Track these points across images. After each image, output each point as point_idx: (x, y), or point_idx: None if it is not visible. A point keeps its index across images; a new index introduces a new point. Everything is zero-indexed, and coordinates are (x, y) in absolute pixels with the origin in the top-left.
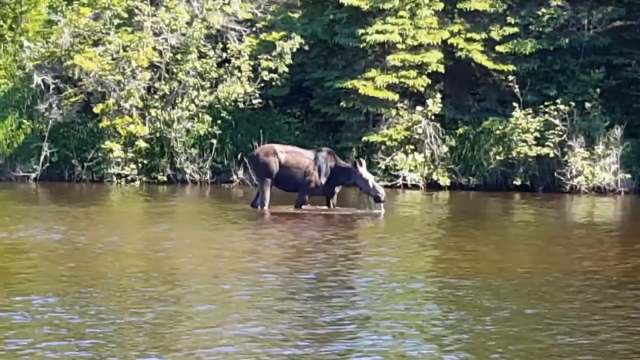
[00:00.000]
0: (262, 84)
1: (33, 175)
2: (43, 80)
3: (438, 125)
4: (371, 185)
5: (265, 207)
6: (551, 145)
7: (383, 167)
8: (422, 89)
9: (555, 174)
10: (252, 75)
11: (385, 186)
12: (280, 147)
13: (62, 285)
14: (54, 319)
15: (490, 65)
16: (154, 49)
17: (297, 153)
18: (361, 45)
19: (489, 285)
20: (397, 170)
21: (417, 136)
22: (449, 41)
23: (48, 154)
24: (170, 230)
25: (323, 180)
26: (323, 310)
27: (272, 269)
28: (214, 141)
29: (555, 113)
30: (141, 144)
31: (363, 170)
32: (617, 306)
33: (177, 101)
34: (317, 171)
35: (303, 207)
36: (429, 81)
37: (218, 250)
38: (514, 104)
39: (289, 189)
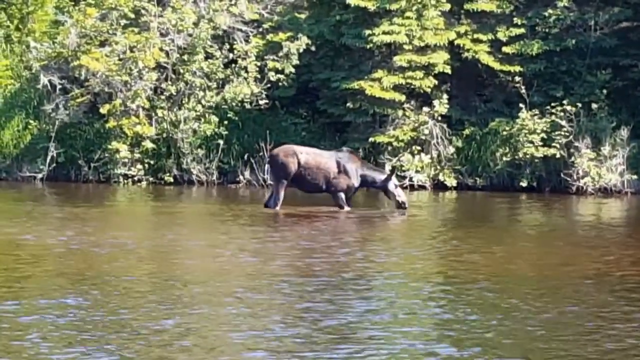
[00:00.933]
0: (269, 85)
1: (39, 175)
2: (50, 81)
3: (444, 126)
4: (399, 192)
5: (278, 208)
6: (557, 146)
7: (390, 168)
8: (428, 90)
9: (562, 175)
10: (258, 75)
11: None
12: (299, 149)
13: (81, 288)
14: (77, 323)
15: (496, 66)
16: (161, 49)
17: (317, 154)
18: (368, 46)
19: (507, 287)
20: (404, 171)
21: (423, 137)
22: (456, 42)
23: (54, 155)
24: (182, 231)
25: (355, 182)
26: (342, 313)
27: (287, 270)
28: (221, 142)
29: (562, 114)
30: (148, 144)
31: (393, 176)
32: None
33: (183, 102)
34: (345, 173)
35: (319, 208)
36: (436, 82)
37: (233, 252)
38: (521, 104)
39: (310, 190)
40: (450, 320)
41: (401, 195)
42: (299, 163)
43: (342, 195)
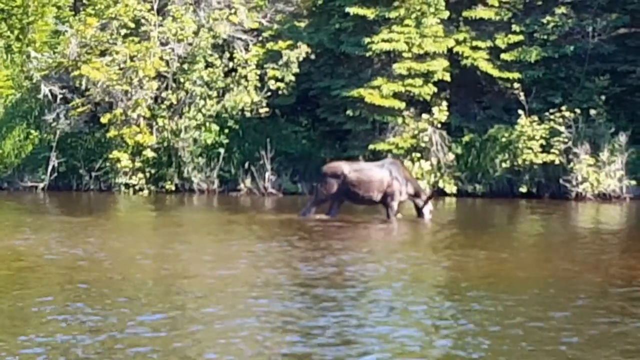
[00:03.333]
0: (269, 93)
1: (41, 185)
2: (50, 91)
3: (444, 133)
4: (429, 216)
5: (302, 216)
6: (556, 152)
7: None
8: (428, 97)
9: (561, 181)
10: (258, 84)
11: None
12: (348, 167)
13: (88, 301)
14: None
15: (495, 73)
16: (161, 58)
17: (367, 169)
18: (367, 54)
19: (519, 294)
20: None
21: (423, 144)
22: (455, 49)
23: (56, 164)
24: (188, 241)
25: (409, 188)
26: (351, 326)
27: (294, 279)
28: (221, 150)
29: (561, 120)
30: (149, 153)
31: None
32: None
33: (184, 110)
34: (397, 180)
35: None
36: (435, 89)
37: (245, 262)
38: (520, 111)
39: (364, 203)
40: (479, 333)
41: (429, 219)
42: (347, 181)
43: (395, 206)
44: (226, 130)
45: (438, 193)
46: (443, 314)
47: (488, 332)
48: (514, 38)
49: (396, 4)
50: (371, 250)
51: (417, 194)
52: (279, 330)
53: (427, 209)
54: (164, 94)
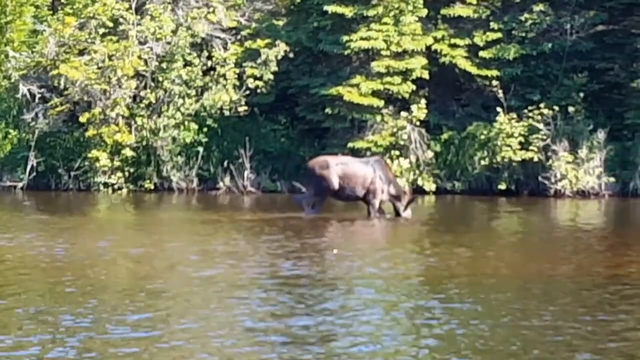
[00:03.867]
0: (248, 92)
1: (20, 184)
2: (29, 90)
3: (423, 130)
4: (408, 219)
5: (305, 214)
6: (535, 149)
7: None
8: (406, 95)
9: (540, 178)
10: (237, 82)
11: None
12: (334, 160)
13: (70, 303)
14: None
15: (474, 70)
16: (140, 57)
17: (352, 162)
18: (346, 52)
19: (504, 292)
20: None
21: (402, 142)
22: (433, 47)
23: (35, 164)
24: (169, 240)
25: (391, 188)
26: (337, 325)
27: (270, 277)
28: (200, 149)
29: (539, 117)
30: (127, 152)
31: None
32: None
33: (163, 109)
34: (379, 179)
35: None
36: (414, 87)
37: (226, 260)
38: (498, 109)
39: (348, 199)
40: (466, 332)
41: (408, 218)
42: (336, 175)
43: (377, 203)
44: (205, 129)
45: (417, 191)
46: (429, 312)
47: (475, 332)
48: (492, 36)
49: (374, 2)
50: (354, 249)
51: (398, 197)
52: (263, 330)
53: (407, 213)
54: (142, 93)
